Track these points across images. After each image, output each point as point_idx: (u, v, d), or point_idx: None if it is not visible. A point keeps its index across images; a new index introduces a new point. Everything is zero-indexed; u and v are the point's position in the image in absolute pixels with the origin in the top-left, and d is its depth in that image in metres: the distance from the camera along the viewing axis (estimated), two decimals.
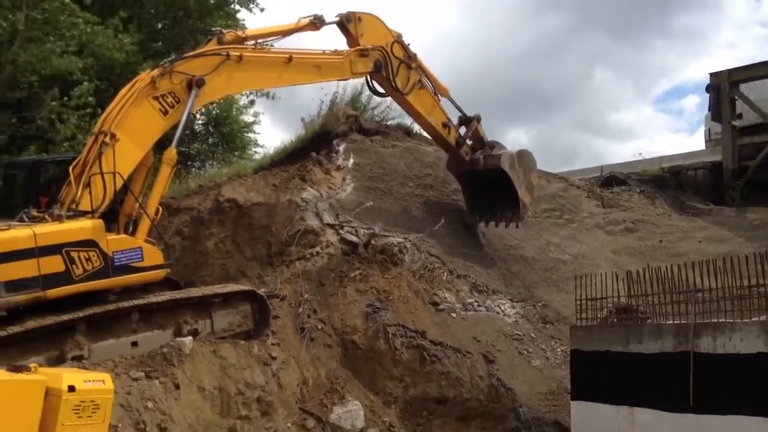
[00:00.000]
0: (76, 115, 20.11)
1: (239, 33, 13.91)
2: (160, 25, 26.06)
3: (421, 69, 16.22)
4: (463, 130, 17.44)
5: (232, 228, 15.89)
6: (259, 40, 13.99)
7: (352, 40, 15.18)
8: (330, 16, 15.00)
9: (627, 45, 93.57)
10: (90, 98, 20.51)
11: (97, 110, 20.83)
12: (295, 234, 15.23)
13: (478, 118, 17.50)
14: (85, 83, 20.47)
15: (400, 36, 15.78)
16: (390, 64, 15.50)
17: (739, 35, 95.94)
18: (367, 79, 16.02)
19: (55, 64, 19.57)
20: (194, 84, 12.30)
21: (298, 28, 14.56)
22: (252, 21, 32.11)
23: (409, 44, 15.93)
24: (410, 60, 15.89)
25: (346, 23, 15.04)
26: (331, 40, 15.45)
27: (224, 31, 13.59)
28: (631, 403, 10.00)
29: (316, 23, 14.65)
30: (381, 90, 16.40)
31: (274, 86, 14.25)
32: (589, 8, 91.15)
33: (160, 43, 25.66)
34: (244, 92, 25.19)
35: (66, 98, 20.33)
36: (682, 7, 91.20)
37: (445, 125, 16.86)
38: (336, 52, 14.82)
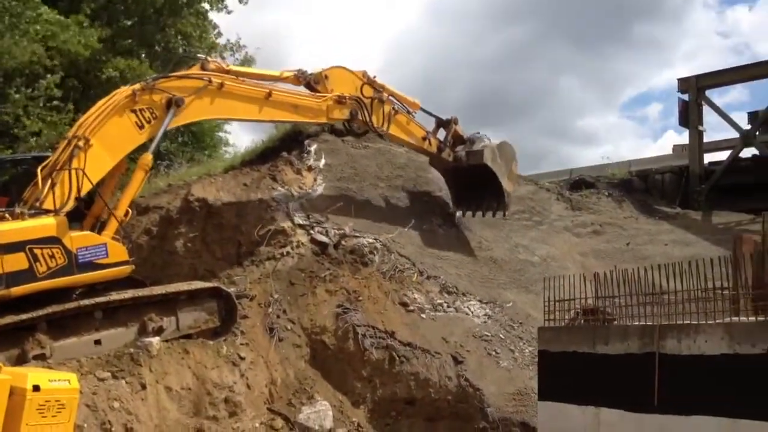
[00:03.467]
0: (41, 105, 19.93)
1: (223, 65, 14.35)
2: (129, 23, 25.85)
3: (392, 95, 16.73)
4: (442, 132, 17.95)
5: (202, 227, 15.79)
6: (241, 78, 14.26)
7: None
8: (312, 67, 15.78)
9: (592, 54, 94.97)
10: (55, 90, 20.35)
11: (62, 105, 20.70)
12: (265, 234, 15.18)
13: (455, 121, 18.06)
14: (49, 75, 20.30)
15: (365, 74, 16.25)
16: (364, 105, 15.98)
17: (700, 45, 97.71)
18: (344, 123, 16.65)
19: (19, 55, 19.39)
20: (174, 103, 12.56)
21: (281, 79, 15.21)
22: (221, 21, 31.95)
23: (375, 77, 16.35)
24: (380, 93, 16.36)
25: (315, 85, 15.52)
26: None
27: (209, 59, 14.11)
28: (597, 403, 10.07)
29: (299, 77, 15.34)
30: (360, 130, 17.14)
31: (252, 119, 14.56)
32: (553, 18, 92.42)
33: (129, 41, 25.47)
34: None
35: (31, 90, 20.13)
36: (643, 18, 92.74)
37: (424, 138, 17.45)
38: (315, 95, 15.32)
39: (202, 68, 13.55)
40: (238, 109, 13.98)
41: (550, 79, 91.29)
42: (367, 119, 16.08)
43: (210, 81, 13.13)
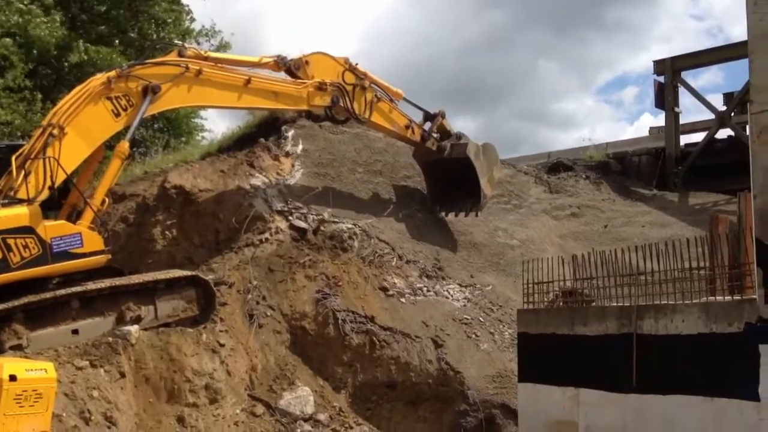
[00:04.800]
0: (12, 98, 19.72)
1: (201, 52, 14.16)
2: (103, 9, 25.56)
3: (374, 83, 16.46)
4: (428, 126, 17.73)
5: (179, 215, 15.66)
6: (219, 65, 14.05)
7: None
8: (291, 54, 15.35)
9: (568, 38, 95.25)
10: (25, 81, 20.14)
11: (31, 96, 20.49)
12: (243, 220, 15.10)
13: (442, 114, 17.85)
14: (20, 65, 20.08)
15: (347, 61, 15.98)
16: (346, 93, 15.72)
17: (675, 28, 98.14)
18: (325, 110, 16.17)
19: None
20: (150, 90, 12.38)
21: (260, 65, 14.87)
22: (196, 7, 31.63)
23: (357, 64, 16.12)
24: (362, 81, 16.10)
25: (295, 71, 15.24)
26: None
27: (186, 46, 13.92)
28: (576, 384, 10.14)
29: (279, 64, 14.99)
30: (341, 118, 16.66)
31: (231, 106, 14.38)
32: (531, 3, 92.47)
33: (103, 27, 25.18)
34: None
35: (2, 80, 19.94)
36: (617, 2, 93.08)
37: (407, 126, 17.19)
38: (295, 82, 15.08)
39: (180, 55, 13.31)
40: (216, 96, 13.78)
41: (528, 63, 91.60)
42: (349, 106, 15.84)
43: (187, 68, 12.94)
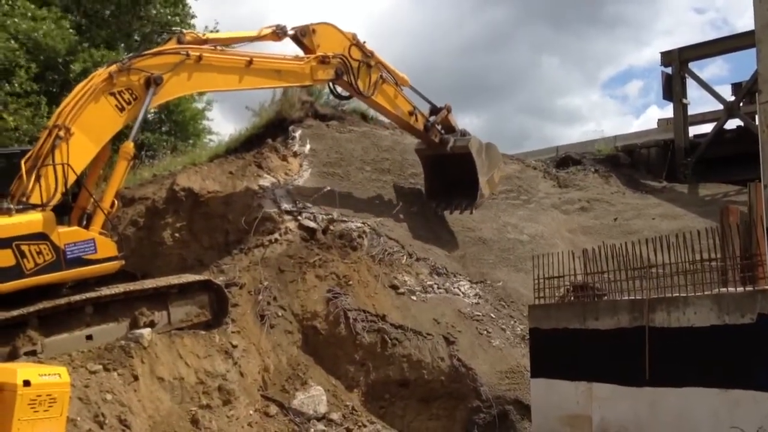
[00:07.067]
0: (21, 103, 19.82)
1: (200, 35, 13.98)
2: (108, 12, 25.65)
3: (380, 64, 16.20)
4: (433, 119, 17.47)
5: (188, 217, 15.72)
6: (219, 46, 13.89)
7: (309, 52, 15.15)
8: (292, 24, 15.08)
9: (569, 34, 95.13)
10: (33, 85, 20.22)
11: (40, 98, 20.59)
12: (252, 221, 15.12)
13: (448, 108, 17.59)
14: (23, 70, 20.15)
15: (355, 36, 15.71)
16: (350, 68, 15.46)
17: (677, 22, 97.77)
18: (329, 85, 16.02)
19: None
20: (152, 81, 12.26)
21: (260, 37, 14.63)
22: (198, 8, 31.70)
23: (364, 42, 15.90)
24: (369, 58, 15.87)
25: (301, 38, 15.06)
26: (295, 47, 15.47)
27: (184, 31, 13.75)
28: (589, 378, 10.15)
29: (279, 33, 14.71)
30: (345, 93, 16.47)
31: (234, 89, 14.17)
32: (531, 0, 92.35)
33: (107, 31, 25.28)
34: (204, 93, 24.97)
35: (9, 86, 20.05)
36: None
37: (411, 113, 16.92)
38: (297, 58, 14.87)
39: (179, 42, 13.13)
40: (218, 80, 13.59)
41: (529, 59, 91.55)
42: (353, 82, 15.54)
43: (188, 54, 12.76)
